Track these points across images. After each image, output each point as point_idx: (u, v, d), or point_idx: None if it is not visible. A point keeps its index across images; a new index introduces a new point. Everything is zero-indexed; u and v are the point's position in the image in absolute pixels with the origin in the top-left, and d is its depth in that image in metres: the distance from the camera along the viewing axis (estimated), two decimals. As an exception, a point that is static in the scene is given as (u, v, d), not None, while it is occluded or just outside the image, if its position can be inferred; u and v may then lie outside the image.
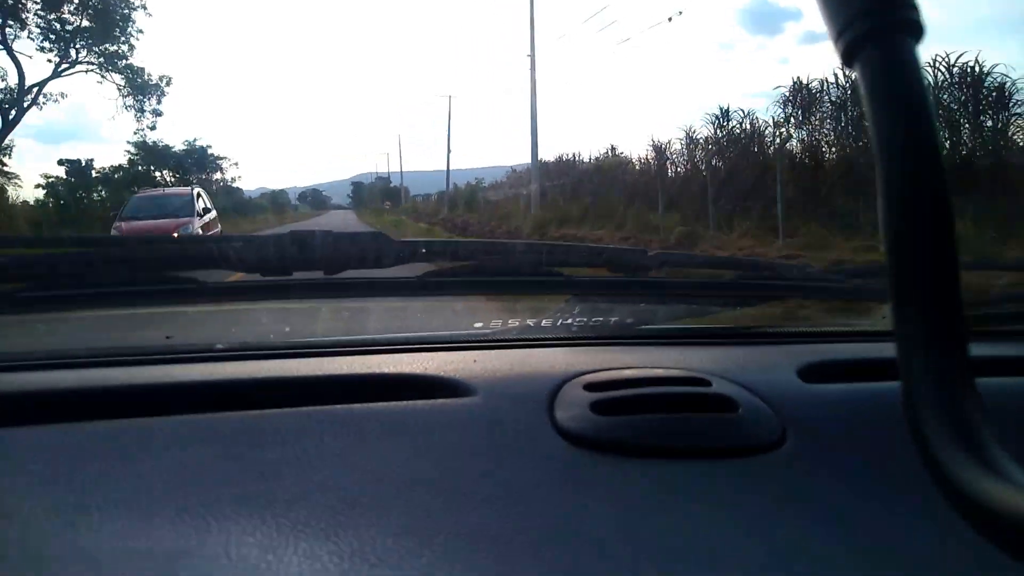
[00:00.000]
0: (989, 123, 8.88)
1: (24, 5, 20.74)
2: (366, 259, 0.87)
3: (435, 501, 0.52)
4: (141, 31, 23.00)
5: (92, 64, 22.96)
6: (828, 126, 10.62)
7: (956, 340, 0.29)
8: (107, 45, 22.68)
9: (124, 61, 23.34)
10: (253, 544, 0.46)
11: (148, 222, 11.16)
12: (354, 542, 0.47)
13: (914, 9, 0.30)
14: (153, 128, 25.72)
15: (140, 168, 27.49)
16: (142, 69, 24.05)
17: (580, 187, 16.89)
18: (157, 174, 28.19)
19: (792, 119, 10.98)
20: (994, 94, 8.75)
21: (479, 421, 0.64)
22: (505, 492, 0.54)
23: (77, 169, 25.20)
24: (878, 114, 0.30)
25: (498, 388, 0.69)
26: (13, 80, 21.20)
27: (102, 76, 23.42)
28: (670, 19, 15.15)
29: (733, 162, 11.77)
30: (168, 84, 25.10)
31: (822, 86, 10.56)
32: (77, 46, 22.40)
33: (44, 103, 22.44)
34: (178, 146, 30.42)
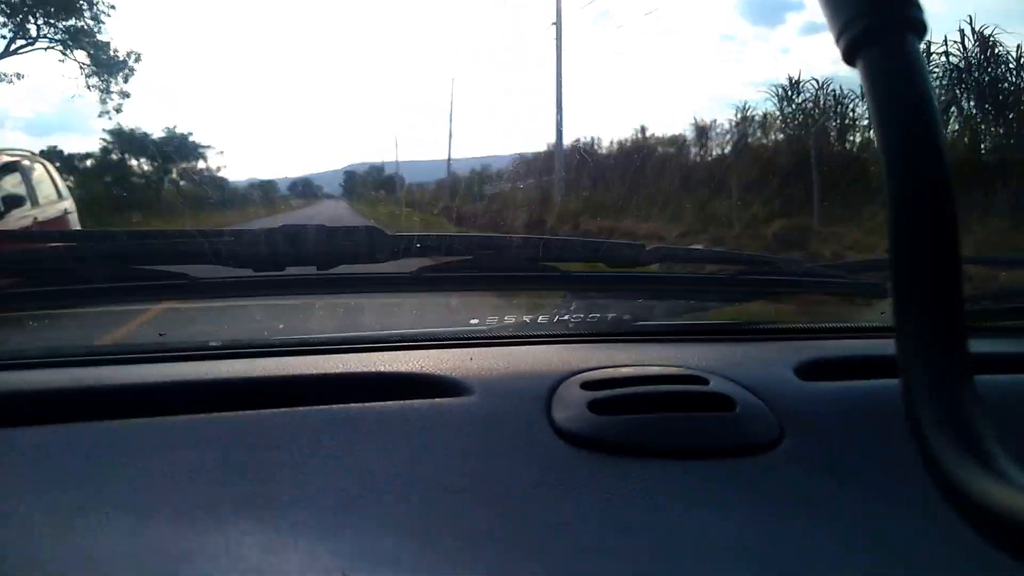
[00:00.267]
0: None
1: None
2: (360, 254, 0.86)
3: (432, 500, 0.52)
4: (113, 7, 20.53)
5: (54, 41, 20.23)
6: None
7: (957, 338, 0.29)
8: (72, 20, 19.87)
9: (90, 38, 20.60)
10: (252, 545, 0.46)
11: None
12: (353, 542, 0.47)
13: (916, 7, 0.30)
14: (119, 111, 22.81)
15: (113, 157, 25.34)
16: (107, 44, 21.33)
17: (610, 173, 15.02)
18: (133, 162, 26.18)
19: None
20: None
21: (476, 421, 0.63)
22: (502, 492, 0.54)
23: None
24: (881, 112, 0.30)
25: (495, 387, 0.68)
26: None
27: (64, 54, 20.75)
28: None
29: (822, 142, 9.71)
30: (137, 61, 22.26)
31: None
32: (37, 21, 19.75)
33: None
34: (157, 133, 28.22)
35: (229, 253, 0.83)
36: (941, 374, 0.29)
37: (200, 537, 0.47)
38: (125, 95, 22.26)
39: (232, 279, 0.84)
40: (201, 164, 31.50)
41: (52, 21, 19.89)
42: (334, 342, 0.83)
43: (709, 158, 12.26)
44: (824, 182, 8.52)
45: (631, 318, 1.05)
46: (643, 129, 16.01)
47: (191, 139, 29.76)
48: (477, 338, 0.87)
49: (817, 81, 10.39)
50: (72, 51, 20.59)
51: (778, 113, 10.83)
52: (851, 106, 9.56)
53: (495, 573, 0.46)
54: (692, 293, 1.09)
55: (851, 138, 9.61)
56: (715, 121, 12.32)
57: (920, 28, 0.30)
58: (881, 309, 1.03)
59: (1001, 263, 1.40)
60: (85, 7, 19.68)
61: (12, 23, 18.67)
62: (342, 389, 0.66)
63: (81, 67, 21.36)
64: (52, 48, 20.08)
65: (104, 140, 25.24)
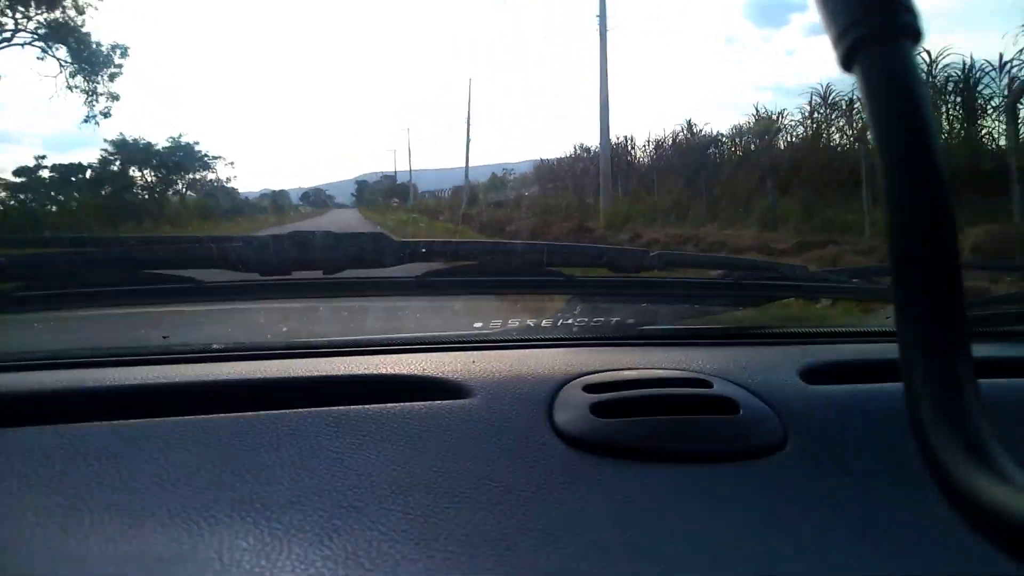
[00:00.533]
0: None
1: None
2: (366, 259, 0.87)
3: (432, 504, 0.52)
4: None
5: (34, 35, 18.08)
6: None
7: (958, 342, 0.29)
8: (54, 12, 17.69)
9: (73, 33, 18.19)
10: (246, 548, 0.46)
11: None
12: (348, 546, 0.47)
13: (912, 13, 0.30)
14: (107, 115, 20.02)
15: (114, 167, 23.63)
16: (87, 35, 18.59)
17: (661, 173, 13.52)
18: (136, 173, 24.60)
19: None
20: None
21: (477, 423, 0.63)
22: (504, 495, 0.54)
23: (23, 170, 20.80)
24: (877, 117, 0.31)
25: (497, 389, 0.68)
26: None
27: (44, 51, 18.56)
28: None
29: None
30: (124, 56, 19.70)
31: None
32: (15, 15, 17.69)
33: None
34: (161, 143, 26.74)
35: (237, 258, 0.83)
36: (942, 377, 0.29)
37: (194, 539, 0.47)
38: (113, 97, 19.90)
39: (239, 283, 0.85)
40: (211, 176, 29.61)
41: (31, 14, 17.56)
42: (337, 345, 0.83)
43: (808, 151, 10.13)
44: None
45: (634, 322, 1.06)
46: (690, 125, 14.44)
47: (198, 148, 28.15)
48: (480, 342, 0.87)
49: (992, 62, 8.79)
50: (52, 46, 18.19)
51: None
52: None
53: None
54: (696, 298, 1.09)
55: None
56: (783, 112, 11.05)
57: (916, 34, 0.30)
58: (887, 314, 1.03)
59: (1004, 268, 1.40)
60: (68, -3, 16.71)
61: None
62: (343, 391, 0.66)
63: (61, 64, 18.76)
64: (31, 45, 17.89)
65: (105, 151, 23.77)
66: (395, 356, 0.78)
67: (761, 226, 9.06)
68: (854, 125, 10.12)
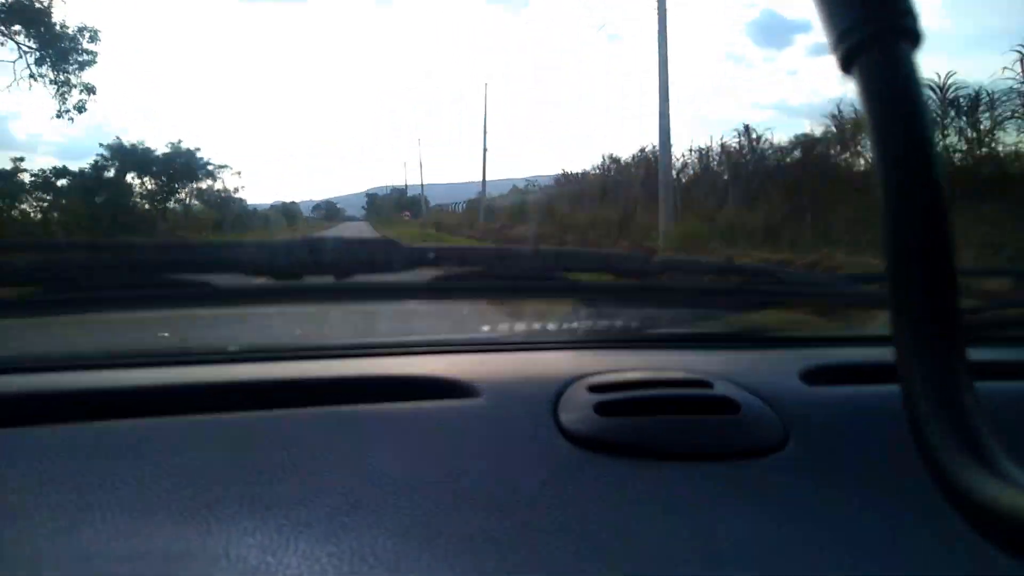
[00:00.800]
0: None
1: None
2: (377, 264, 0.88)
3: (438, 502, 0.52)
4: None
5: None
6: None
7: (953, 346, 0.30)
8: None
9: (34, 14, 15.03)
10: (253, 545, 0.46)
11: None
12: (354, 544, 0.47)
13: (912, 16, 0.30)
14: (81, 110, 16.79)
15: (108, 174, 21.77)
16: (47, 14, 15.30)
17: (722, 186, 11.71)
18: (136, 180, 22.97)
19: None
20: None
21: (483, 422, 0.64)
22: (509, 493, 0.54)
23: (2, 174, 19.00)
24: (875, 121, 0.30)
25: (503, 389, 0.69)
26: None
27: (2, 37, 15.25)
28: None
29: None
30: (93, 40, 16.32)
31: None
32: None
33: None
34: (161, 149, 24.79)
35: (251, 262, 0.85)
36: (940, 379, 0.29)
37: (202, 537, 0.47)
38: (88, 89, 17.08)
39: (253, 288, 0.87)
40: (219, 186, 27.87)
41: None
42: (346, 347, 0.84)
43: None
44: None
45: (638, 325, 1.06)
46: (747, 129, 12.51)
47: (200, 156, 26.15)
48: (488, 344, 0.88)
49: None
50: (9, 29, 15.10)
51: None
52: None
53: (499, 574, 0.46)
54: (698, 302, 1.10)
55: None
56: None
57: (915, 37, 0.30)
58: (887, 318, 1.04)
59: (1002, 273, 1.41)
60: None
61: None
62: (352, 391, 0.67)
63: (22, 50, 15.73)
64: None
65: (101, 156, 21.77)
66: (405, 358, 0.79)
67: (869, 249, 7.21)
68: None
